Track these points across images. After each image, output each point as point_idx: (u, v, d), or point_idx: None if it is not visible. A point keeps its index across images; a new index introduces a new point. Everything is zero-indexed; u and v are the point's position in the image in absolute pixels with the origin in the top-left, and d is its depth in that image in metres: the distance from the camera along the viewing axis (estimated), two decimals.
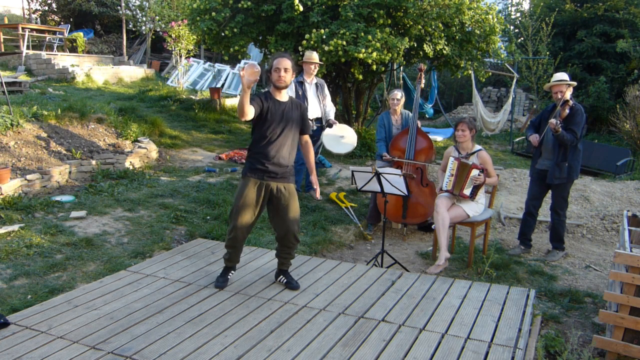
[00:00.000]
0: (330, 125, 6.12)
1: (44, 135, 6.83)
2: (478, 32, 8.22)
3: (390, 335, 3.12)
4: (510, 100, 12.49)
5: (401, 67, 11.76)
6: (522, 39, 14.34)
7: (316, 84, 6.15)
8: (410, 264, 5.08)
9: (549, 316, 3.94)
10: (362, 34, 7.18)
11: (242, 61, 14.34)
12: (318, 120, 6.26)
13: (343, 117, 9.61)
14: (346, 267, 4.30)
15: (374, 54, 7.02)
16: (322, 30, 7.20)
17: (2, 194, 5.38)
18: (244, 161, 8.07)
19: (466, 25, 8.04)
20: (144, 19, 17.83)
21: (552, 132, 4.80)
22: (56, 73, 12.92)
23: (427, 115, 14.13)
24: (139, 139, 7.91)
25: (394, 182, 4.41)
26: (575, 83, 4.93)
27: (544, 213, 5.85)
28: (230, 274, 3.89)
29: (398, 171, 4.47)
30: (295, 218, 3.72)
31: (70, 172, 6.41)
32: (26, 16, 18.23)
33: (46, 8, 19.15)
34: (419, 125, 5.81)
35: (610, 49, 13.35)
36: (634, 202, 6.78)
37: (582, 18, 13.90)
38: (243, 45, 8.35)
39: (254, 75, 3.15)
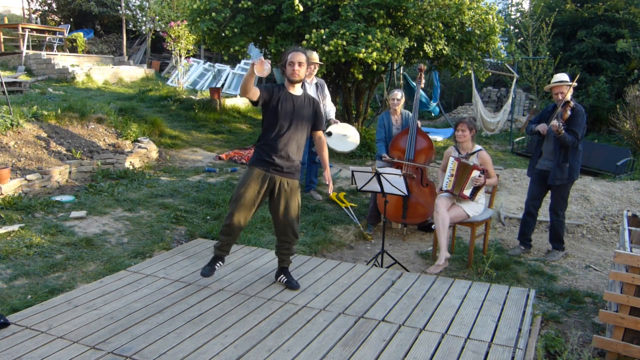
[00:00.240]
0: (330, 129, 6.13)
1: (44, 135, 6.83)
2: (478, 32, 8.22)
3: (390, 335, 3.12)
4: (510, 100, 12.49)
5: (401, 68, 11.76)
6: (522, 39, 14.34)
7: (316, 84, 6.15)
8: (410, 264, 5.08)
9: (549, 316, 3.94)
10: (362, 34, 7.18)
11: (242, 61, 14.37)
12: None
13: (343, 117, 9.60)
14: (346, 267, 4.30)
15: (374, 54, 7.02)
16: (322, 31, 7.20)
17: (2, 194, 5.38)
18: (244, 161, 8.13)
19: (466, 25, 8.04)
20: (144, 19, 17.83)
21: (554, 134, 4.79)
22: (56, 73, 12.92)
23: (433, 114, 14.12)
24: (139, 139, 7.91)
25: (394, 182, 4.41)
26: (576, 84, 4.92)
27: (544, 213, 5.85)
28: (218, 265, 3.83)
29: (398, 171, 4.48)
30: (296, 214, 3.73)
31: (70, 172, 6.41)
32: (26, 16, 18.23)
33: (46, 8, 19.16)
34: (419, 125, 5.81)
35: (611, 49, 13.35)
36: (634, 202, 6.78)
37: (582, 18, 13.90)
38: (243, 46, 8.35)
39: (261, 72, 3.18)
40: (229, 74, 14.47)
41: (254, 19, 7.99)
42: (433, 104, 13.69)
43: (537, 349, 3.18)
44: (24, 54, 13.37)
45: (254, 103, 3.51)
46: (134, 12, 18.38)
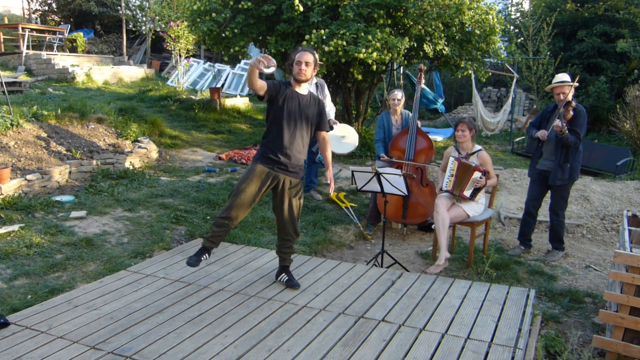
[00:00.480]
0: (331, 127, 6.13)
1: (44, 135, 6.83)
2: (478, 32, 8.22)
3: (390, 335, 3.12)
4: (510, 100, 12.49)
5: (401, 68, 11.76)
6: (522, 39, 14.34)
7: (316, 83, 6.15)
8: (410, 264, 5.08)
9: (549, 316, 3.94)
10: (362, 34, 7.18)
11: (243, 61, 14.37)
12: None
13: (343, 117, 9.61)
14: (346, 267, 4.30)
15: (374, 54, 7.03)
16: (322, 31, 7.20)
17: (2, 194, 5.38)
18: (244, 161, 8.13)
19: (466, 25, 8.04)
20: (144, 19, 17.83)
21: (556, 135, 4.79)
22: (56, 73, 12.92)
23: (440, 111, 14.13)
24: (139, 139, 7.91)
25: (394, 182, 4.41)
26: (577, 84, 4.92)
27: (544, 213, 5.85)
28: (204, 257, 3.76)
29: (398, 171, 4.47)
30: (297, 212, 3.76)
31: (70, 172, 6.41)
32: (26, 16, 18.24)
33: (46, 8, 19.16)
34: (419, 125, 5.82)
35: (611, 49, 13.35)
36: (634, 202, 6.78)
37: (583, 18, 13.89)
38: (243, 46, 8.35)
39: (264, 67, 3.18)
40: (229, 74, 14.47)
41: (254, 20, 7.99)
42: (440, 101, 13.74)
43: (537, 349, 3.18)
44: (24, 54, 13.38)
45: (260, 97, 3.52)
46: (134, 12, 18.38)
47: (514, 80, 12.36)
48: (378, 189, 4.55)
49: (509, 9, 17.63)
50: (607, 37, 13.64)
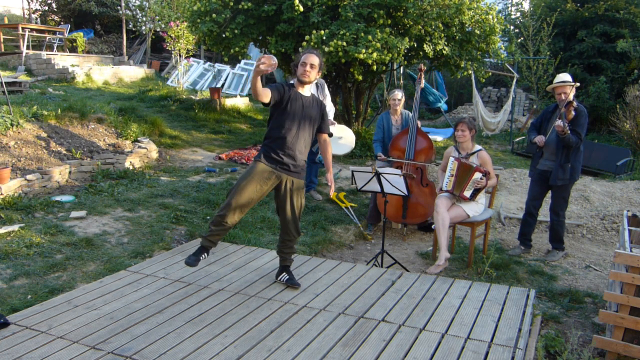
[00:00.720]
0: (330, 134, 6.14)
1: (44, 135, 6.83)
2: (478, 32, 8.22)
3: (390, 335, 3.12)
4: (510, 100, 12.49)
5: (401, 68, 11.76)
6: (522, 39, 14.34)
7: (317, 83, 6.14)
8: (410, 264, 5.08)
9: (549, 316, 3.94)
10: (362, 34, 7.18)
11: (243, 61, 14.37)
12: None
13: (343, 117, 9.61)
14: (346, 267, 4.30)
15: (374, 54, 7.03)
16: (322, 31, 7.20)
17: (2, 194, 5.38)
18: (244, 161, 8.13)
19: (466, 25, 8.04)
20: (144, 19, 17.83)
21: (558, 135, 4.78)
22: (56, 73, 12.92)
23: (442, 110, 14.13)
24: (139, 139, 7.91)
25: (394, 182, 4.41)
26: (578, 84, 4.92)
27: (544, 213, 5.85)
28: (203, 256, 3.74)
29: (398, 171, 4.47)
30: (299, 212, 3.78)
31: (70, 172, 6.41)
32: (26, 16, 18.24)
33: (46, 8, 19.16)
34: (419, 125, 5.82)
35: (611, 49, 13.35)
36: (634, 202, 6.78)
37: (583, 18, 13.89)
38: (243, 47, 8.36)
39: (271, 67, 3.16)
40: (229, 74, 14.47)
41: (254, 20, 7.99)
42: (443, 100, 13.76)
43: (537, 349, 3.18)
44: (24, 54, 13.38)
45: (265, 104, 3.49)
46: (134, 12, 18.39)
47: (514, 80, 12.36)
48: (378, 189, 4.55)
49: (509, 9, 17.64)
50: (607, 37, 13.64)
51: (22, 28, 13.85)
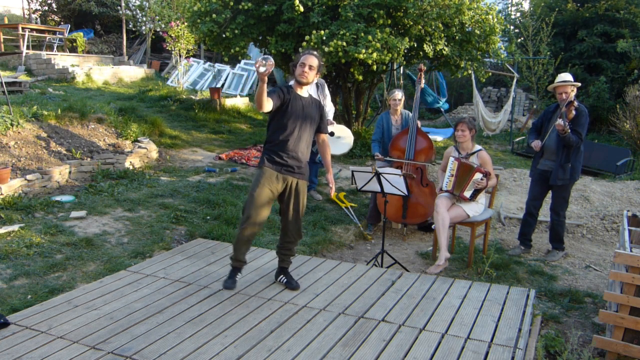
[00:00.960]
0: (331, 133, 6.15)
1: (44, 135, 6.83)
2: (478, 32, 8.22)
3: (390, 335, 3.12)
4: (510, 100, 12.48)
5: (401, 68, 11.76)
6: (522, 39, 14.34)
7: (317, 83, 6.14)
8: (410, 264, 5.08)
9: (549, 316, 3.94)
10: (362, 34, 7.18)
11: (243, 61, 14.37)
12: None
13: (343, 117, 9.61)
14: (346, 267, 4.30)
15: (374, 54, 7.03)
16: (323, 31, 7.20)
17: (2, 194, 5.38)
18: (244, 161, 8.13)
19: (466, 25, 8.04)
20: (144, 19, 17.83)
21: (559, 134, 4.79)
22: (56, 73, 12.92)
23: (442, 109, 14.12)
24: (139, 139, 7.91)
25: (394, 182, 4.41)
26: (579, 84, 4.93)
27: (544, 213, 5.85)
28: (238, 276, 3.82)
29: (398, 171, 4.47)
30: (302, 214, 3.79)
31: (70, 172, 6.41)
32: (26, 16, 18.24)
33: (46, 8, 19.16)
34: (419, 125, 5.82)
35: (611, 49, 13.34)
36: (634, 202, 6.78)
37: (583, 18, 13.89)
38: (243, 47, 8.36)
39: (268, 67, 3.16)
40: (229, 74, 14.47)
41: (254, 20, 7.99)
42: (443, 100, 13.73)
43: (537, 349, 3.18)
44: (24, 54, 13.38)
45: (268, 112, 3.49)
46: (134, 12, 18.38)
47: (514, 80, 12.36)
48: (378, 189, 4.55)
49: (509, 9, 17.63)
50: (608, 37, 13.63)
51: (22, 28, 13.85)
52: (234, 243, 3.77)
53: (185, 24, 9.99)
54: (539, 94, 13.80)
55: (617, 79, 13.29)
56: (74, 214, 5.16)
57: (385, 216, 5.31)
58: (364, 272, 4.18)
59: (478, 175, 4.67)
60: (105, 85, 13.35)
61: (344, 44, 7.08)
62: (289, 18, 7.62)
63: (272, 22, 8.00)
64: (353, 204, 6.45)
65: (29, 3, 18.72)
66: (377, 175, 4.43)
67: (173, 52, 12.75)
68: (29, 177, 5.80)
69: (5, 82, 7.73)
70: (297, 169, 3.65)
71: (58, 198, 5.63)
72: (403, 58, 8.06)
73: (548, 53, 13.38)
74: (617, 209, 6.43)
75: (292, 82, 3.70)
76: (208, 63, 15.09)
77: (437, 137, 11.08)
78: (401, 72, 12.45)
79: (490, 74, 10.34)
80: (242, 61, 14.39)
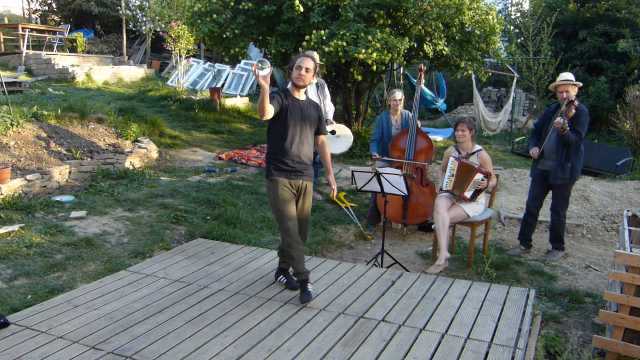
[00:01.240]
0: (333, 131, 6.15)
1: (44, 135, 6.83)
2: (478, 32, 8.22)
3: (390, 335, 3.12)
4: (510, 100, 12.48)
5: (401, 68, 11.76)
6: (522, 39, 14.34)
7: (316, 83, 6.15)
8: (410, 264, 5.08)
9: (549, 316, 3.94)
10: (362, 34, 7.18)
11: (243, 61, 14.37)
12: None
13: (343, 117, 9.61)
14: (346, 267, 4.30)
15: (374, 54, 7.03)
16: (323, 31, 7.20)
17: (2, 194, 5.38)
18: (244, 161, 8.13)
19: (466, 25, 8.04)
20: (144, 19, 17.82)
21: (558, 132, 4.80)
22: (56, 73, 12.92)
23: (440, 110, 14.11)
24: (139, 139, 7.91)
25: (394, 182, 4.41)
26: (580, 84, 4.94)
27: (544, 213, 5.85)
28: (309, 286, 3.67)
29: (398, 171, 4.47)
30: (309, 216, 3.79)
31: (70, 172, 6.41)
32: (26, 16, 18.24)
33: (46, 8, 19.16)
34: (419, 125, 5.82)
35: (611, 49, 13.34)
36: (634, 202, 6.78)
37: (584, 18, 13.89)
38: (244, 47, 8.36)
39: (266, 71, 3.15)
40: (229, 74, 14.47)
41: (255, 20, 7.99)
42: (440, 101, 13.73)
43: (537, 349, 3.18)
44: (24, 54, 13.38)
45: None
46: (134, 12, 18.38)
47: (514, 80, 12.36)
48: (378, 189, 4.55)
49: (509, 9, 17.63)
50: (608, 37, 13.63)
51: (22, 28, 13.84)
52: (292, 261, 3.61)
53: (186, 24, 9.99)
54: (539, 94, 13.80)
55: (617, 79, 13.29)
56: (74, 214, 5.16)
57: (385, 216, 5.31)
58: (364, 272, 4.18)
59: (479, 176, 4.66)
60: (105, 85, 13.36)
61: (344, 44, 7.08)
62: (289, 18, 7.62)
63: (272, 22, 8.00)
64: (353, 204, 6.45)
65: (29, 3, 18.73)
66: (377, 175, 4.43)
67: (173, 52, 12.75)
68: (29, 177, 5.80)
69: (5, 82, 7.73)
70: (305, 171, 3.64)
71: (58, 198, 5.63)
72: (403, 58, 8.06)
73: (549, 53, 13.38)
74: (617, 209, 6.43)
75: (289, 86, 3.69)
76: (208, 63, 15.09)
77: (437, 137, 11.08)
78: (401, 72, 12.45)
79: (490, 74, 10.34)
80: (242, 61, 14.39)
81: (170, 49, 12.46)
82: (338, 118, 9.09)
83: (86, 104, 8.07)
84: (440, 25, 7.77)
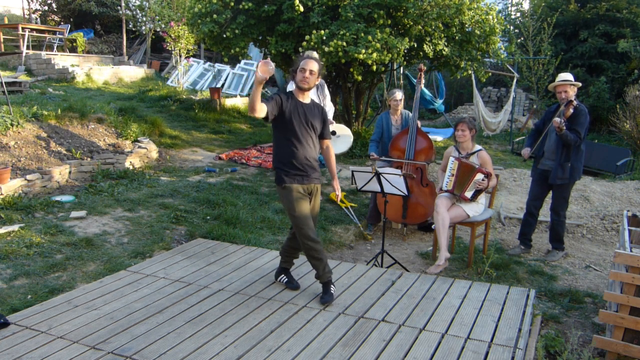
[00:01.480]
0: (333, 132, 6.16)
1: (44, 135, 6.83)
2: (478, 32, 8.22)
3: (390, 335, 3.12)
4: (510, 100, 12.49)
5: (401, 68, 11.76)
6: (522, 39, 14.34)
7: (316, 84, 6.14)
8: (410, 264, 5.08)
9: (549, 316, 3.94)
10: (362, 34, 7.18)
11: (243, 61, 14.37)
12: None
13: (343, 117, 9.61)
14: (346, 267, 4.30)
15: (374, 54, 7.03)
16: (322, 31, 7.20)
17: (2, 194, 5.38)
18: (244, 161, 8.13)
19: (466, 25, 8.04)
20: (144, 19, 17.83)
21: (555, 132, 4.81)
22: (56, 73, 12.92)
23: (438, 111, 14.11)
24: (139, 139, 7.91)
25: (394, 182, 4.41)
26: (580, 84, 4.95)
27: (544, 213, 5.85)
28: (332, 288, 3.68)
29: (398, 171, 4.47)
30: (318, 214, 3.78)
31: (70, 172, 6.41)
32: (26, 16, 18.24)
33: (46, 8, 19.16)
34: (419, 125, 5.82)
35: (612, 49, 13.34)
36: (634, 202, 6.78)
37: (584, 18, 13.89)
38: (244, 47, 8.36)
39: (267, 73, 3.12)
40: (229, 74, 14.47)
41: (255, 20, 7.99)
42: (439, 101, 13.72)
43: (537, 349, 3.18)
44: (24, 54, 13.38)
45: (265, 119, 3.41)
46: (134, 12, 18.38)
47: (514, 80, 12.36)
48: (378, 189, 4.55)
49: (509, 9, 17.64)
50: (609, 37, 13.64)
51: (22, 28, 13.85)
52: (318, 263, 3.58)
53: (184, 20, 10.00)
54: (539, 94, 13.81)
55: (617, 79, 13.29)
56: (74, 214, 5.16)
57: (385, 216, 5.30)
58: (364, 272, 4.18)
59: (479, 176, 4.66)
60: (105, 85, 13.36)
61: (344, 44, 7.08)
62: (289, 18, 7.62)
63: (272, 22, 8.00)
64: (353, 204, 6.45)
65: (29, 3, 18.73)
66: (377, 175, 4.43)
67: (173, 52, 12.75)
68: (29, 177, 5.80)
69: (5, 82, 7.73)
70: (314, 174, 3.62)
71: (58, 198, 5.63)
72: (403, 58, 8.06)
73: (549, 53, 13.38)
74: (617, 209, 6.43)
75: (289, 87, 3.66)
76: (208, 63, 15.10)
77: (437, 137, 11.08)
78: (401, 72, 12.45)
79: (490, 74, 10.35)
80: (242, 61, 14.39)
81: (170, 49, 12.46)
82: (338, 118, 9.09)
83: (86, 104, 8.08)
84: (440, 25, 7.77)
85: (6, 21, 16.89)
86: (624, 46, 12.58)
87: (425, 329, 3.21)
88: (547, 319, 3.90)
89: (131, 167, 7.12)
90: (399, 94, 5.95)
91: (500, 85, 15.84)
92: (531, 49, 13.55)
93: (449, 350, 2.95)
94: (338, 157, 8.31)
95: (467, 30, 8.17)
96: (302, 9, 7.33)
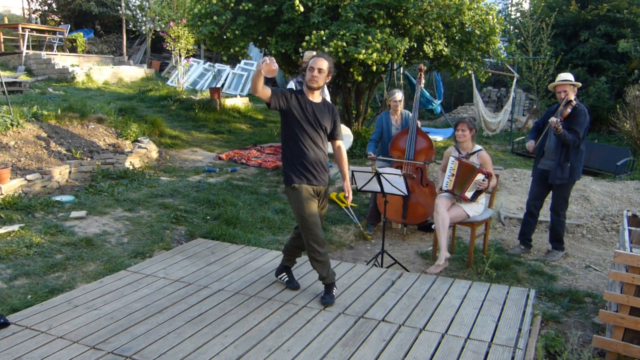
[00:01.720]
0: None
1: (44, 135, 6.83)
2: (478, 32, 8.22)
3: (390, 335, 3.12)
4: (510, 100, 12.48)
5: (401, 68, 11.76)
6: (522, 39, 14.34)
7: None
8: (410, 264, 5.08)
9: (549, 316, 3.94)
10: (362, 34, 7.18)
11: (243, 61, 14.37)
12: None
13: (343, 117, 9.61)
14: (346, 267, 4.30)
15: (374, 54, 7.02)
16: (322, 32, 7.20)
17: (2, 194, 5.38)
18: (244, 161, 8.13)
19: (466, 25, 8.04)
20: (144, 19, 17.83)
21: (553, 132, 4.81)
22: (56, 73, 12.93)
23: (435, 112, 14.10)
24: (139, 139, 7.91)
25: (394, 182, 4.41)
26: (579, 84, 4.95)
27: (544, 213, 5.85)
28: (334, 290, 3.68)
29: (398, 171, 4.48)
30: (323, 221, 3.72)
31: (70, 172, 6.41)
32: (26, 16, 18.24)
33: (46, 8, 19.16)
34: (419, 125, 5.82)
35: (612, 50, 13.34)
36: (634, 202, 6.78)
37: (585, 19, 13.89)
38: (244, 47, 8.36)
39: (270, 73, 3.12)
40: (229, 74, 14.48)
41: (255, 20, 7.99)
42: (437, 102, 13.71)
43: (537, 349, 3.18)
44: (24, 54, 13.38)
45: (267, 105, 3.40)
46: (134, 12, 18.38)
47: (514, 80, 12.35)
48: (378, 189, 4.55)
49: (509, 9, 17.64)
50: (609, 37, 13.63)
51: (22, 28, 13.85)
52: (320, 265, 3.55)
53: (184, 21, 10.00)
54: (539, 94, 13.80)
55: (617, 79, 13.29)
56: (74, 214, 5.16)
57: (385, 216, 5.30)
58: (364, 272, 4.18)
59: (480, 176, 4.66)
60: (105, 85, 13.36)
61: (344, 44, 7.08)
62: (289, 18, 7.62)
63: (272, 23, 8.00)
64: (353, 204, 6.45)
65: (29, 3, 18.73)
66: (377, 175, 4.43)
67: (173, 52, 12.75)
68: (29, 177, 5.80)
69: (5, 82, 7.73)
70: (324, 176, 3.57)
71: (58, 198, 5.63)
72: (403, 58, 8.06)
73: (548, 53, 13.37)
74: (617, 209, 6.43)
75: (289, 87, 3.65)
76: (208, 63, 15.10)
77: (437, 137, 11.08)
78: (401, 72, 12.45)
79: (490, 74, 10.34)
80: (242, 61, 14.40)
81: (170, 49, 12.46)
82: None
83: (86, 104, 8.08)
84: (440, 25, 7.77)
85: (6, 21, 16.89)
86: (624, 46, 12.58)
87: (425, 329, 3.21)
88: (547, 319, 3.90)
89: (131, 167, 7.12)
90: (399, 94, 5.95)
91: (500, 85, 15.84)
92: (531, 49, 13.55)
93: (449, 350, 2.95)
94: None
95: (467, 30, 8.17)
96: (302, 9, 7.33)
